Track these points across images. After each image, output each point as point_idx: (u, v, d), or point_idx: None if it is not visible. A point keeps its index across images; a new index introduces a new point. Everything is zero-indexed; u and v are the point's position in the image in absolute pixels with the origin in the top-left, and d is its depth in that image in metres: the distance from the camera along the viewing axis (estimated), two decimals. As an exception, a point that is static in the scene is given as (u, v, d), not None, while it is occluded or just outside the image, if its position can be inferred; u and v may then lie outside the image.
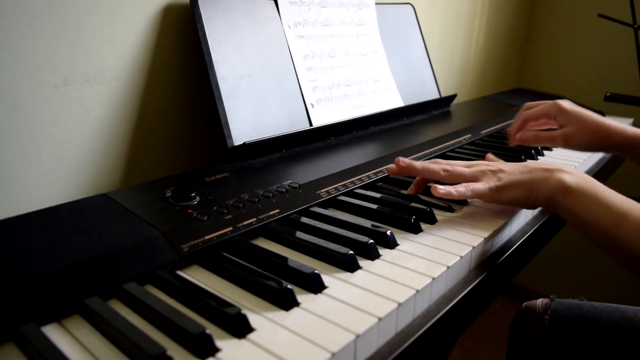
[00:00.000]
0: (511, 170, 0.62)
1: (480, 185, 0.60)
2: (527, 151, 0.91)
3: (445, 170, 0.63)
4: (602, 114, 1.34)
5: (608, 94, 1.35)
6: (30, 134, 0.61)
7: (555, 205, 0.59)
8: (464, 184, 0.60)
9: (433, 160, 0.67)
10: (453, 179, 0.62)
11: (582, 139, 0.75)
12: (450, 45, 1.48)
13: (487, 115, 1.15)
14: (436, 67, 1.26)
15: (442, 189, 0.59)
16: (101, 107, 0.68)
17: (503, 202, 0.61)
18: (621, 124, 0.75)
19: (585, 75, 1.78)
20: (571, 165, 0.88)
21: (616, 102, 1.35)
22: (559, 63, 1.84)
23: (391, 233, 0.55)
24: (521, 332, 0.71)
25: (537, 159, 0.90)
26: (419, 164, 0.65)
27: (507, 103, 1.30)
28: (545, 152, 0.96)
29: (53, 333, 0.40)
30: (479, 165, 0.64)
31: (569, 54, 1.81)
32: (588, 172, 0.93)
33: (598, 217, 0.55)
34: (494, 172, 0.62)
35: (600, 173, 0.95)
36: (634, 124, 1.35)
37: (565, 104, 0.77)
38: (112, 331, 0.39)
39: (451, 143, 0.91)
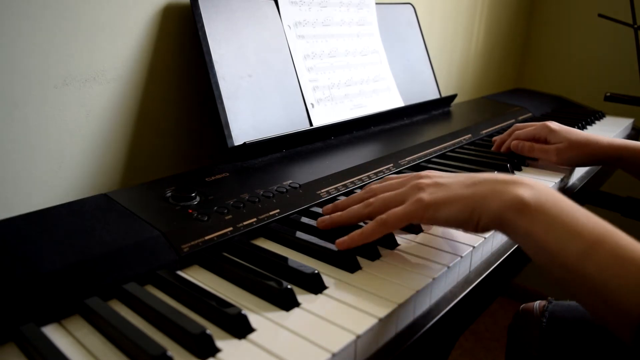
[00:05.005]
0: (450, 183, 0.51)
1: (400, 209, 0.50)
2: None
3: (368, 205, 0.53)
4: (602, 114, 1.34)
5: (608, 94, 1.35)
6: (30, 134, 0.61)
7: (507, 225, 0.46)
8: (376, 219, 0.50)
9: (362, 191, 0.58)
10: (380, 211, 0.52)
11: (572, 154, 0.79)
12: (450, 45, 1.48)
13: (487, 115, 1.15)
14: (436, 67, 1.26)
15: (341, 241, 0.51)
16: (101, 107, 0.68)
17: (439, 222, 0.50)
18: (608, 137, 0.80)
19: (585, 75, 1.78)
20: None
21: (616, 102, 1.35)
22: (559, 63, 1.84)
23: (391, 233, 0.55)
24: (519, 334, 0.71)
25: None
26: (337, 216, 0.55)
27: (507, 103, 1.30)
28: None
29: (53, 333, 0.40)
30: (412, 180, 0.53)
31: (569, 54, 1.81)
32: (583, 176, 0.91)
33: (562, 243, 0.43)
34: (428, 185, 0.51)
35: (597, 176, 0.95)
36: (634, 124, 1.35)
37: (554, 125, 0.82)
38: (112, 331, 0.39)
39: (451, 143, 0.91)
